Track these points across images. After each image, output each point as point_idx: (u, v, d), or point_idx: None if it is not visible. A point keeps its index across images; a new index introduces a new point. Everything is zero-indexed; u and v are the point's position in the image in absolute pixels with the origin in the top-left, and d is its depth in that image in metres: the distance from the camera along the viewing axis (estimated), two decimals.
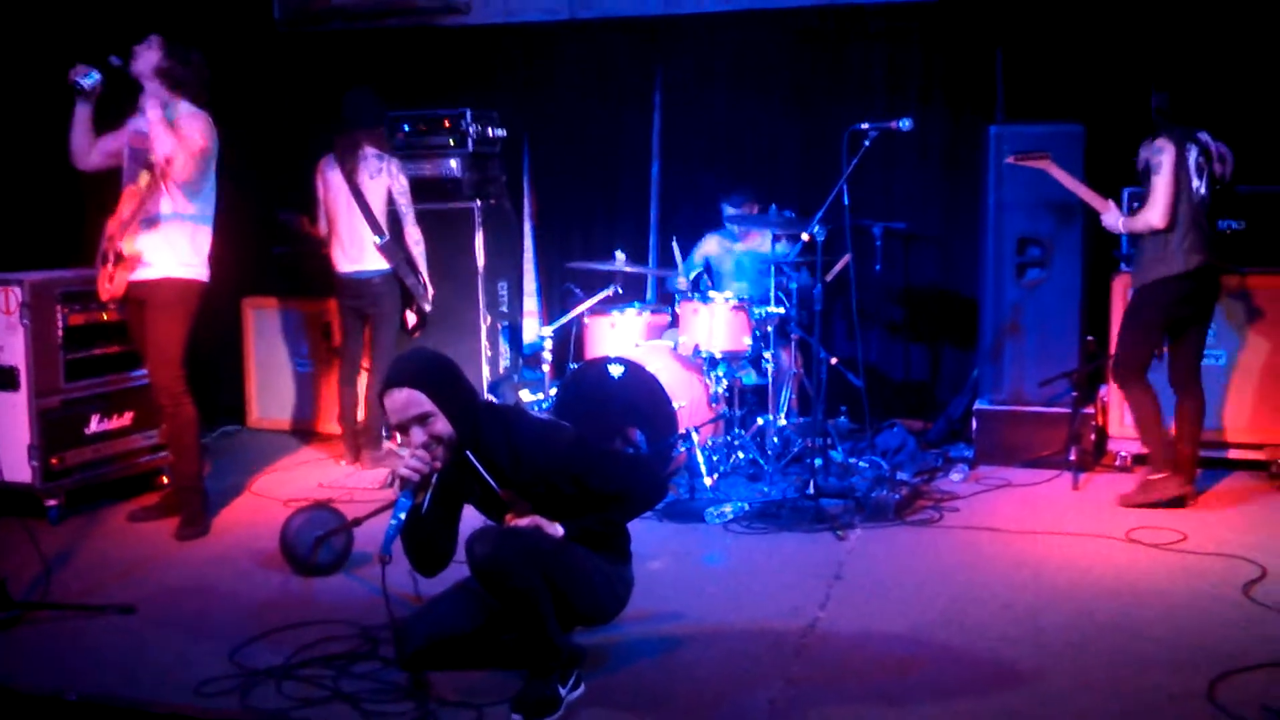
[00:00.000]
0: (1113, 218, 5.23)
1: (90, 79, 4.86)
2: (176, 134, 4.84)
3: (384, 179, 6.07)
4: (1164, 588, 4.24)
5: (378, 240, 6.01)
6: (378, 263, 6.06)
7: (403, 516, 3.34)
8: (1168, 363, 5.31)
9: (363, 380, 6.29)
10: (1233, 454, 5.81)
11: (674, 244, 6.49)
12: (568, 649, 3.41)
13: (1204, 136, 5.10)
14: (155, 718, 3.37)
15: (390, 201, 6.11)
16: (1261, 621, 3.90)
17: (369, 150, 6.07)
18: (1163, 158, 4.99)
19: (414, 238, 6.15)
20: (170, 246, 4.97)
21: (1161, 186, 4.99)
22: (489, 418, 3.50)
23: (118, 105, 5.06)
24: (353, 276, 6.09)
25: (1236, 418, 5.80)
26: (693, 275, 6.43)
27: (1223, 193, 5.16)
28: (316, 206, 6.23)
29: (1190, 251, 5.02)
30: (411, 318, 6.23)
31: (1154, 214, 5.00)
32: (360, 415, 6.27)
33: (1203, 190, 5.05)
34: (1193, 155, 5.04)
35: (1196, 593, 4.18)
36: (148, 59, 4.97)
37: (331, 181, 6.11)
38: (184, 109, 4.99)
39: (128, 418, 5.64)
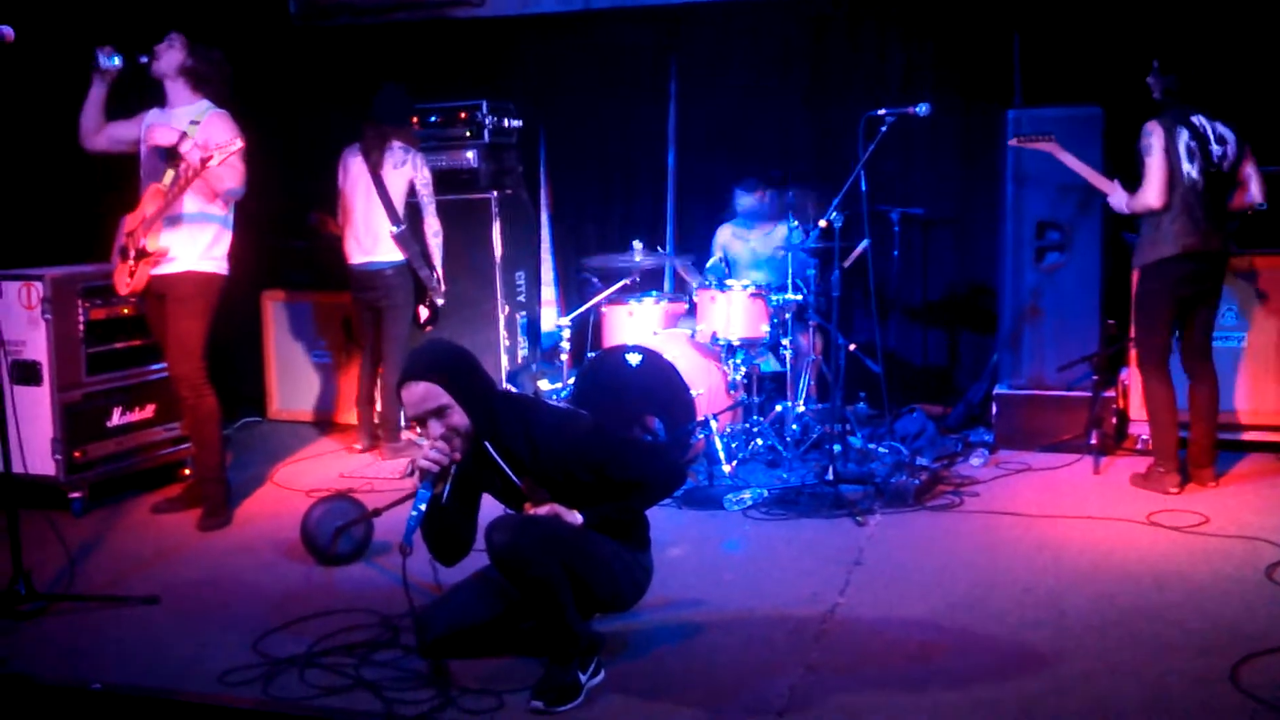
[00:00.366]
0: (1119, 198, 5.21)
1: (112, 61, 4.89)
2: (209, 139, 4.84)
3: (407, 170, 6.10)
4: (1186, 571, 4.22)
5: (394, 229, 6.03)
6: (390, 254, 6.08)
7: (423, 508, 3.36)
8: (1178, 347, 5.29)
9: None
10: (1250, 435, 5.77)
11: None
12: (587, 636, 3.42)
13: (1199, 119, 5.05)
14: (179, 707, 3.40)
15: (412, 193, 6.14)
16: None
17: (396, 144, 6.11)
18: (1151, 140, 5.00)
19: (433, 229, 6.16)
20: (192, 242, 4.99)
21: (1152, 167, 5.00)
22: (506, 407, 3.51)
23: (139, 98, 5.09)
24: (365, 268, 6.12)
25: (1253, 399, 5.76)
26: (710, 263, 6.42)
27: (1222, 176, 5.06)
28: (339, 198, 6.26)
29: (1181, 234, 5.01)
30: (424, 311, 6.25)
31: (1149, 194, 5.01)
32: (378, 405, 6.30)
33: (1194, 174, 5.00)
34: (1183, 138, 5.00)
35: (1218, 575, 4.16)
36: (171, 59, 4.99)
37: (352, 170, 6.14)
38: (208, 109, 5.01)
39: (149, 410, 5.68)
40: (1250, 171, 5.16)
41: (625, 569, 3.59)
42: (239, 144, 4.82)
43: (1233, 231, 5.30)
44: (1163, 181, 4.98)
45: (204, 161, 4.73)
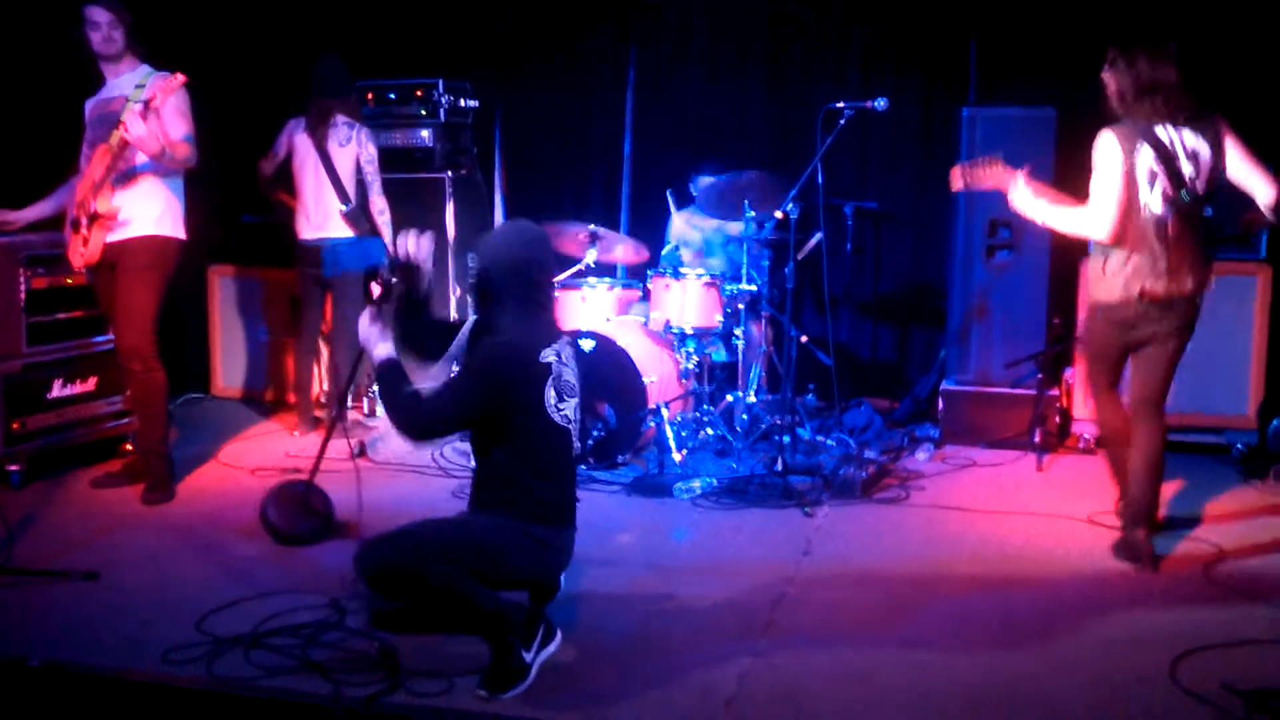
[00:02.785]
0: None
1: None
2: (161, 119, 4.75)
3: (353, 147, 6.06)
4: (1126, 569, 4.29)
5: (343, 208, 5.99)
6: (341, 231, 6.04)
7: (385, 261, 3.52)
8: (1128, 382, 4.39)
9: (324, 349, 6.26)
10: (1193, 437, 5.87)
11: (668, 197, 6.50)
12: (516, 611, 3.37)
13: (1166, 130, 4.05)
14: (120, 685, 3.35)
15: (358, 170, 6.09)
16: (1220, 601, 3.97)
17: (340, 118, 6.05)
18: (1103, 156, 4.06)
19: (379, 207, 6.14)
20: (146, 202, 4.90)
21: (1099, 190, 4.06)
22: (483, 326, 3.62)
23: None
24: (315, 243, 6.07)
25: (1195, 401, 5.85)
26: (665, 251, 6.42)
27: (1197, 200, 4.06)
28: (269, 155, 6.20)
29: (1134, 278, 4.08)
30: (376, 288, 6.19)
31: (1093, 221, 4.09)
32: (320, 386, 6.24)
33: (1156, 205, 4.03)
34: (1144, 158, 4.04)
35: (1158, 573, 4.24)
36: (117, 37, 4.87)
37: (299, 147, 6.08)
38: (148, 72, 4.92)
39: (91, 383, 5.57)
40: (1247, 169, 4.10)
41: (509, 539, 3.40)
42: (181, 78, 4.72)
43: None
44: (1114, 209, 4.04)
45: (148, 103, 4.63)
